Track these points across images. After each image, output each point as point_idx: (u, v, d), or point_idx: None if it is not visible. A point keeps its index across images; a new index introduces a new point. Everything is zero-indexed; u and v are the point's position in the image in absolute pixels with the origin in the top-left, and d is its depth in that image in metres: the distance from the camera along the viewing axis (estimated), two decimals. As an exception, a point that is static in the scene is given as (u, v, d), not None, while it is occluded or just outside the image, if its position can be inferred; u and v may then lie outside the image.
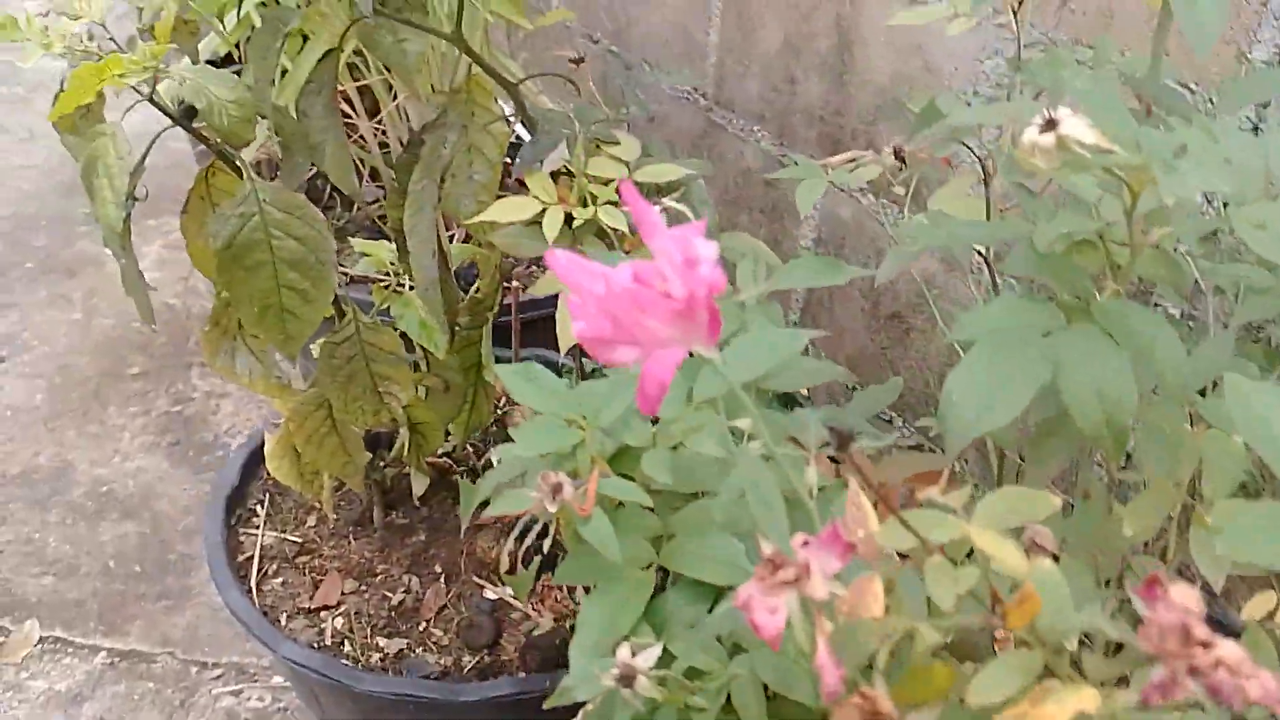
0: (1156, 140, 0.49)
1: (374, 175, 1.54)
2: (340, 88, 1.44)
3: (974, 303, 1.00)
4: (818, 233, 1.45)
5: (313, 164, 0.82)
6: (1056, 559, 0.53)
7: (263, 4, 0.92)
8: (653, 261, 0.37)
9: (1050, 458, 0.56)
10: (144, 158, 0.74)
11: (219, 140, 0.74)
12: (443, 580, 1.03)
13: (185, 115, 0.75)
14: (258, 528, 1.05)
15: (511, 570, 0.80)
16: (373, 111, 1.49)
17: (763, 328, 0.60)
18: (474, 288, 0.97)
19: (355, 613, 0.99)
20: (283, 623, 0.97)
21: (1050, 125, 0.45)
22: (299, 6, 0.76)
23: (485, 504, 0.57)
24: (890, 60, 1.20)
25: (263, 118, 0.73)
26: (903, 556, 0.45)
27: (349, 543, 1.06)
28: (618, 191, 0.81)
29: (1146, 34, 1.03)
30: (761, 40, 1.45)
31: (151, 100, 0.73)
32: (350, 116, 1.47)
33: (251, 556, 1.02)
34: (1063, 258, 0.54)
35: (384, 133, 1.50)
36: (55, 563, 1.38)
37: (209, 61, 0.80)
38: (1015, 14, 0.84)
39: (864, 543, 0.43)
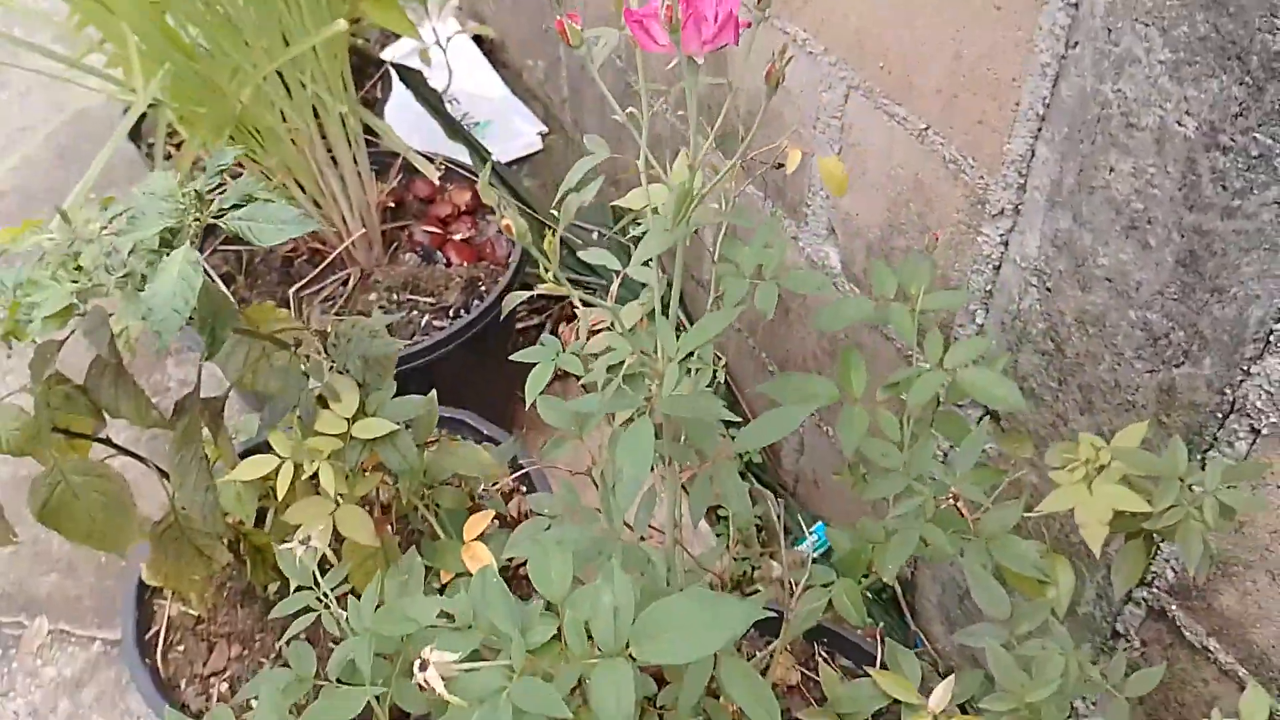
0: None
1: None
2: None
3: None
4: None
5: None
6: None
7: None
8: None
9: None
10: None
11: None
12: (309, 644, 1.31)
13: None
14: (167, 598, 1.34)
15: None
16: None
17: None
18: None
19: (237, 677, 1.29)
20: (182, 688, 1.28)
21: (424, 665, 0.62)
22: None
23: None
24: (755, 78, 1.17)
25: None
26: None
27: (236, 612, 1.34)
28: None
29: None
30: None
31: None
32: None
33: (159, 630, 1.32)
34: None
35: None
36: (58, 561, 1.73)
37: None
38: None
39: None
